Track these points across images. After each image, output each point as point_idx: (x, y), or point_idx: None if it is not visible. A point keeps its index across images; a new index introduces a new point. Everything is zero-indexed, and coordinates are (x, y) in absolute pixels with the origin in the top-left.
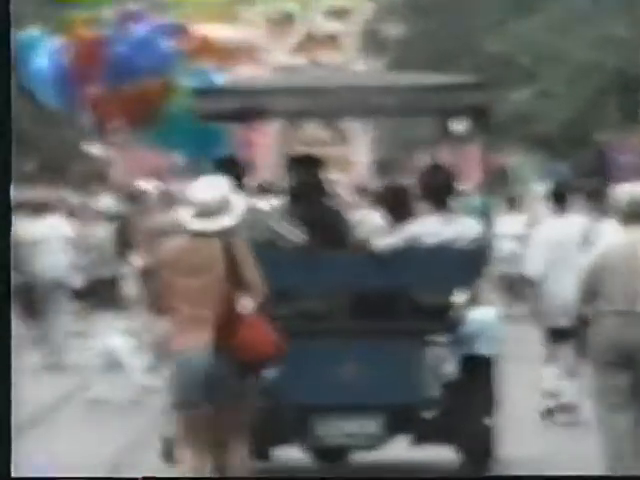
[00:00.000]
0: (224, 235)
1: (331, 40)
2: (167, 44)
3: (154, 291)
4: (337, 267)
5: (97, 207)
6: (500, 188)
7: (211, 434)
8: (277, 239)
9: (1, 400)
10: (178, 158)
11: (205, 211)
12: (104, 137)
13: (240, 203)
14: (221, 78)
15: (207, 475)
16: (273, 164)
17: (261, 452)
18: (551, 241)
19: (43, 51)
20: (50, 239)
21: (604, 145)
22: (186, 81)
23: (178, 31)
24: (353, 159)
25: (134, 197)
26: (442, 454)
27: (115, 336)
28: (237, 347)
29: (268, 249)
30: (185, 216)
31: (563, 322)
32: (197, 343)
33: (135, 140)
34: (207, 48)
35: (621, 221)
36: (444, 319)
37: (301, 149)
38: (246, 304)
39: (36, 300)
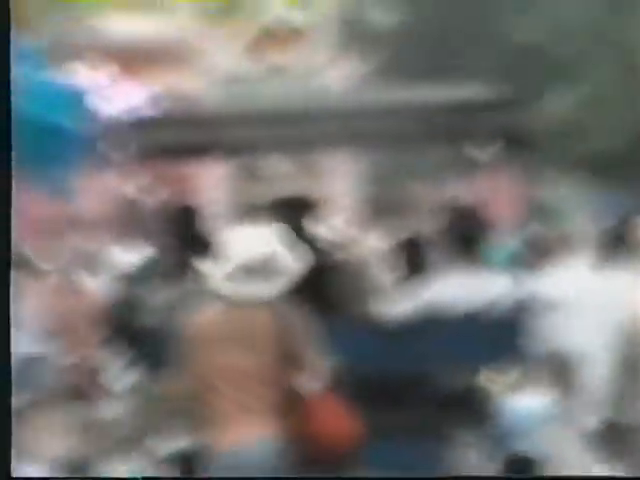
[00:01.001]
0: (271, 304)
1: (296, 35)
2: None
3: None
4: (335, 342)
5: None
6: (539, 229)
7: None
8: None
9: (1, 400)
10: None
11: (246, 273)
12: None
13: (296, 261)
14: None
15: None
16: (225, 212)
17: None
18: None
19: None
20: None
21: None
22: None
23: None
24: (327, 197)
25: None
26: None
27: None
28: (305, 438)
29: None
30: (217, 276)
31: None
32: (255, 435)
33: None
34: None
35: None
36: (475, 410)
37: (261, 188)
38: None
39: None
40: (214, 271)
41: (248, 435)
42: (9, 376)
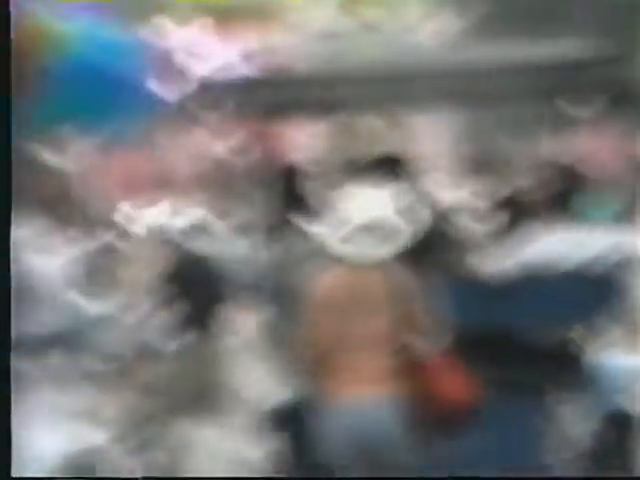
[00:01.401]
0: (386, 265)
1: None
2: None
3: (304, 338)
4: (442, 302)
5: None
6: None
7: None
8: None
9: (1, 400)
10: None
11: (363, 234)
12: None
13: (409, 224)
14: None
15: None
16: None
17: None
18: None
19: None
20: None
21: None
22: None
23: None
24: (423, 156)
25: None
26: None
27: None
28: (423, 399)
29: None
30: (336, 240)
31: None
32: (377, 394)
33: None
34: None
35: None
36: (571, 365)
37: (356, 146)
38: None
39: None
40: (329, 233)
41: (367, 392)
42: (9, 376)
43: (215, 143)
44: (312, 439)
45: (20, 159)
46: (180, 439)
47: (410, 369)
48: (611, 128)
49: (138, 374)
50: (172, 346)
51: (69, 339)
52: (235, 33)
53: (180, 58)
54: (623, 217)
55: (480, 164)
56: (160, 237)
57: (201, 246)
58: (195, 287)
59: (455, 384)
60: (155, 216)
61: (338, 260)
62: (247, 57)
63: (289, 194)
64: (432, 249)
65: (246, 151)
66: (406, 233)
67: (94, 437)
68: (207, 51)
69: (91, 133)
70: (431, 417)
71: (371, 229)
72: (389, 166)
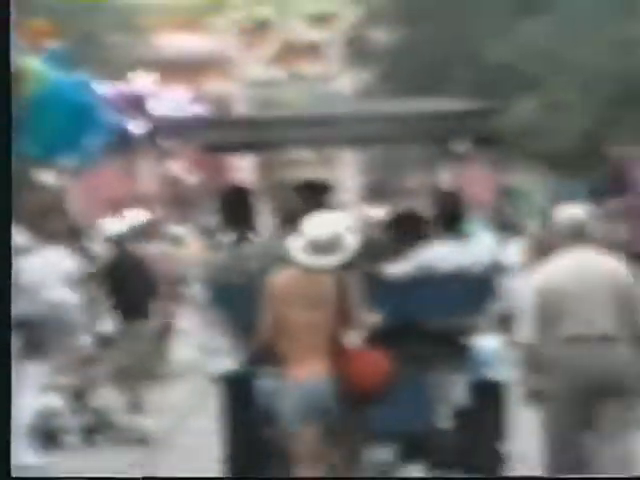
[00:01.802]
0: (333, 270)
1: (312, 49)
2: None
3: (264, 322)
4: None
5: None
6: (505, 211)
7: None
8: None
9: (1, 400)
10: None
11: (317, 247)
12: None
13: (354, 241)
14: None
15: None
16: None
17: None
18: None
19: None
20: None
21: (621, 161)
22: (36, 63)
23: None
24: (338, 182)
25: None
26: None
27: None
28: (346, 379)
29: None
30: (296, 249)
31: None
32: (315, 374)
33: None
34: (45, 31)
35: (563, 243)
36: (454, 346)
37: (286, 172)
38: (353, 337)
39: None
40: (295, 244)
41: (312, 371)
42: (9, 377)
43: (171, 165)
44: (258, 405)
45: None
46: (131, 401)
47: (341, 353)
48: (484, 164)
49: (91, 352)
50: (117, 329)
51: (46, 323)
52: (186, 82)
53: (142, 100)
54: (493, 231)
55: (386, 190)
56: (110, 240)
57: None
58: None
59: (375, 364)
60: (112, 225)
61: (295, 264)
62: (195, 101)
63: (232, 208)
64: (359, 257)
65: (195, 172)
66: (351, 247)
67: (54, 401)
68: (163, 95)
69: (69, 156)
70: (357, 391)
71: (325, 242)
72: (312, 190)
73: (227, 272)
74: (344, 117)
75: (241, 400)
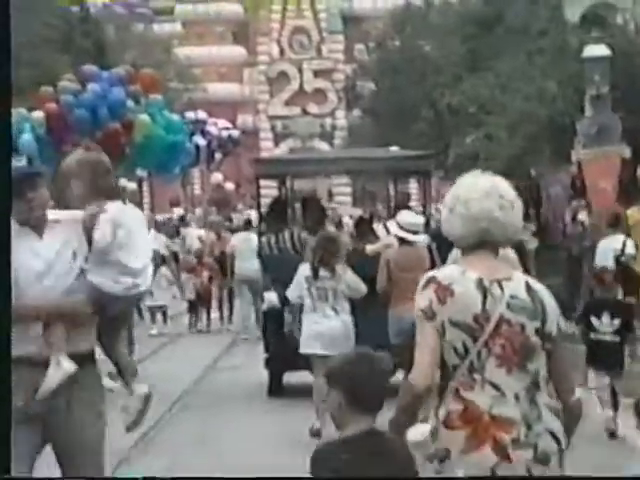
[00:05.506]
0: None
1: (318, 94)
2: (119, 90)
3: (381, 279)
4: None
5: None
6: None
7: None
8: None
9: (1, 400)
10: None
11: (411, 229)
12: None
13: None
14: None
15: None
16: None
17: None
18: None
19: (26, 127)
20: None
21: (539, 179)
22: (143, 115)
23: (127, 77)
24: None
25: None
26: None
27: None
28: None
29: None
30: (395, 230)
31: None
32: (411, 310)
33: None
34: (154, 84)
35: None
36: None
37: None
38: None
39: None
40: (395, 228)
41: (411, 309)
42: (9, 377)
43: (216, 175)
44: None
45: None
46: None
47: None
48: (422, 191)
49: None
50: None
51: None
52: (226, 116)
53: (203, 124)
54: None
55: (362, 201)
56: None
57: None
58: None
59: None
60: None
61: (400, 239)
62: (232, 129)
63: (275, 210)
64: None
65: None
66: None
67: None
68: (210, 126)
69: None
70: None
71: (417, 226)
72: (312, 201)
73: (270, 249)
74: (339, 158)
75: (278, 323)
